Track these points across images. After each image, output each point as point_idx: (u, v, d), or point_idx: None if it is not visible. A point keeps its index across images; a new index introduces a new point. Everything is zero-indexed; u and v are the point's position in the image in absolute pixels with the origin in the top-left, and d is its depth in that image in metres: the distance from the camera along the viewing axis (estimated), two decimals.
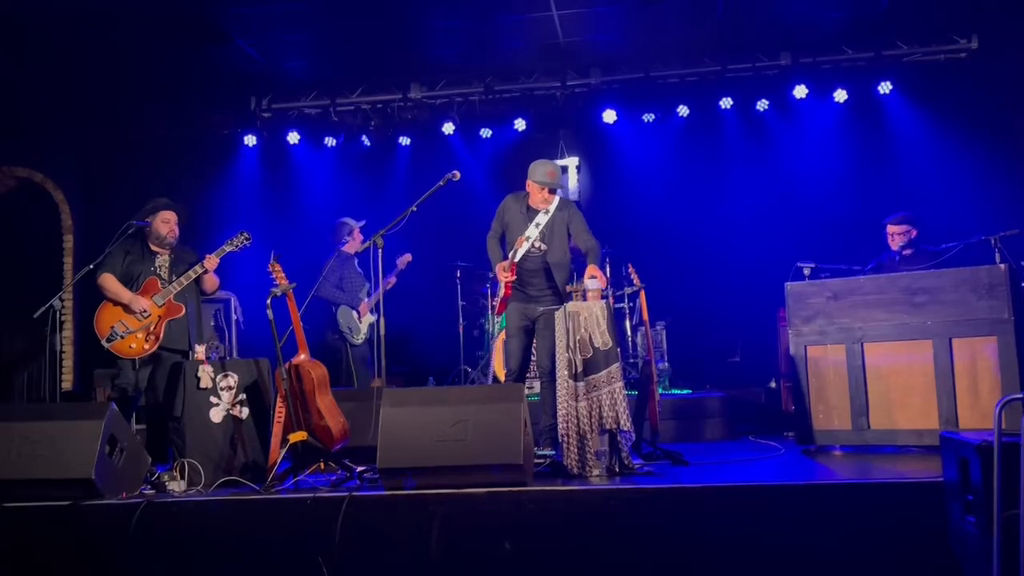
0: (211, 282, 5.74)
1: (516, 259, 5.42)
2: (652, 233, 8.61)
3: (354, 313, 7.30)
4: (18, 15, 6.97)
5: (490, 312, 8.00)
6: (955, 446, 3.51)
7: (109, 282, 5.53)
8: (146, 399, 5.61)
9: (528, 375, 6.13)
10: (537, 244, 5.47)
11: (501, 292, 5.52)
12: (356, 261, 7.46)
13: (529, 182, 5.52)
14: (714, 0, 7.55)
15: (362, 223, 7.50)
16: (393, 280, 7.37)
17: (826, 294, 5.55)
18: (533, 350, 5.69)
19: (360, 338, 7.34)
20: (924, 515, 3.80)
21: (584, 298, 4.94)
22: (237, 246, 5.60)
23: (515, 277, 5.43)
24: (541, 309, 5.50)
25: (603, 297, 4.99)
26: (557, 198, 5.54)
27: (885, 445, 5.36)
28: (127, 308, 5.46)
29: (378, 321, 5.22)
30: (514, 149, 9.22)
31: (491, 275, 6.38)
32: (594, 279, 4.98)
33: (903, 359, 5.30)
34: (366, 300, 7.34)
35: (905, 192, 7.94)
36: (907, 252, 6.47)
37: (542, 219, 5.50)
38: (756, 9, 7.81)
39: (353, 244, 7.48)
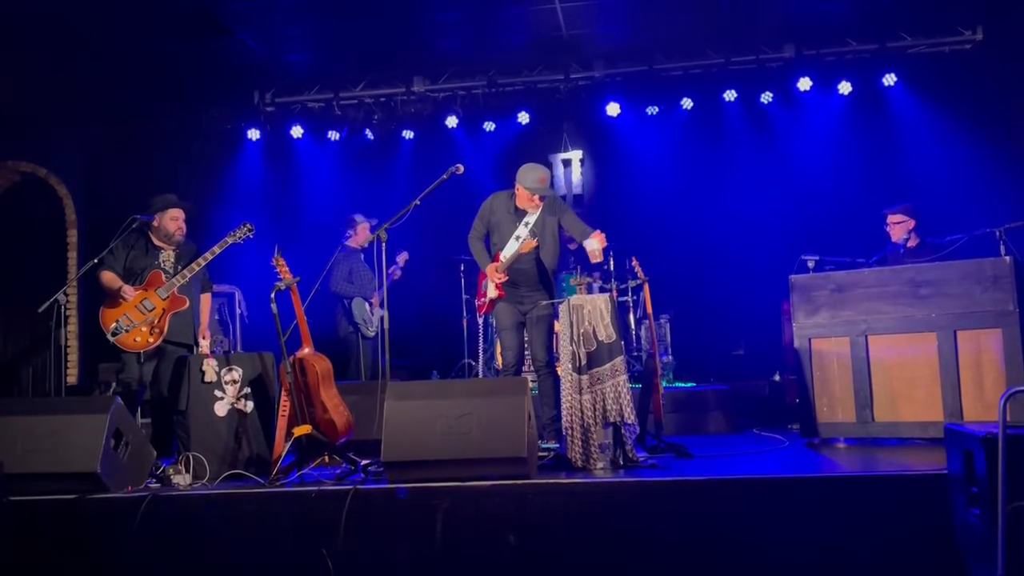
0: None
1: (507, 259, 5.41)
2: (656, 226, 8.59)
3: (367, 305, 7.39)
4: (21, 11, 6.97)
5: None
6: (959, 438, 3.51)
7: (106, 277, 5.58)
8: (151, 393, 5.64)
9: (524, 368, 6.13)
10: (525, 239, 5.45)
11: (493, 293, 5.51)
12: (363, 255, 7.51)
13: (518, 186, 5.46)
14: None
15: (373, 221, 7.54)
16: (398, 272, 7.45)
17: (830, 287, 5.54)
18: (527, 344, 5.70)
19: (372, 331, 7.42)
20: (928, 507, 3.80)
21: (589, 291, 4.94)
22: (240, 238, 5.61)
23: (507, 278, 5.44)
24: (532, 304, 5.51)
25: (603, 262, 5.00)
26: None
27: (889, 438, 5.36)
28: (120, 298, 5.47)
29: (381, 315, 5.23)
30: (517, 142, 9.22)
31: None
32: (595, 240, 5.08)
33: (907, 351, 5.30)
34: (377, 292, 7.39)
35: (910, 184, 7.92)
36: (911, 244, 6.46)
37: (531, 218, 5.47)
38: (760, 1, 7.78)
39: (356, 239, 7.52)
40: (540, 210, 5.46)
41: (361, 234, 7.57)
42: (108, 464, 4.52)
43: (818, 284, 5.59)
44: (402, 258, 7.65)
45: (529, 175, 5.40)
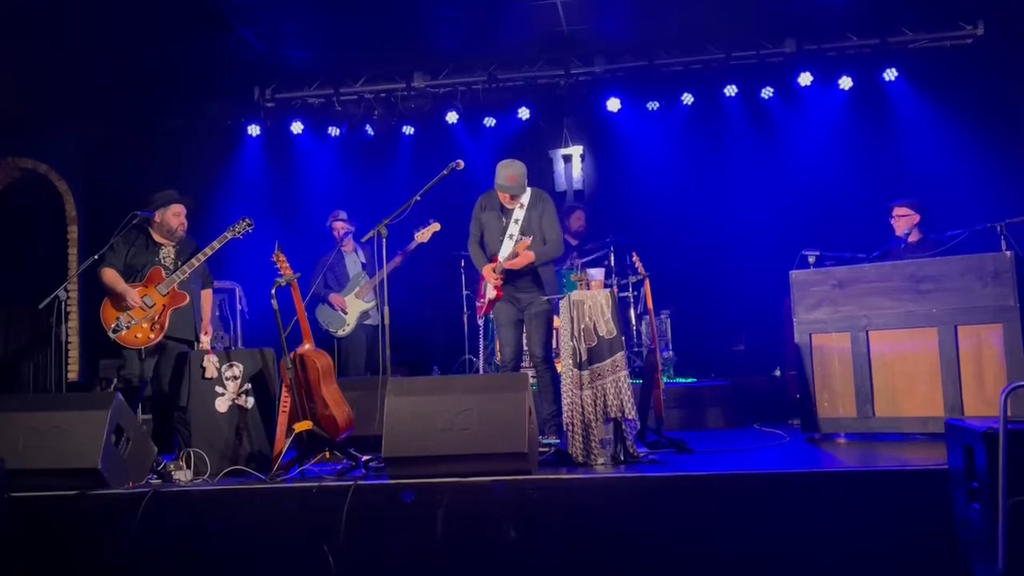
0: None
1: (503, 259, 5.40)
2: (656, 221, 8.59)
3: (326, 306, 7.29)
4: (21, 7, 6.96)
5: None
6: (960, 433, 3.51)
7: (108, 276, 5.56)
8: (151, 389, 5.64)
9: (523, 365, 6.13)
10: (519, 239, 5.44)
11: (491, 294, 5.52)
12: (349, 244, 7.43)
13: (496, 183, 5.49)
14: None
15: (341, 214, 7.45)
16: (398, 260, 6.94)
17: (831, 282, 5.54)
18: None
19: (345, 329, 7.31)
20: (929, 503, 3.81)
21: (588, 287, 4.93)
22: (239, 232, 5.62)
23: (504, 278, 5.44)
24: (529, 301, 5.51)
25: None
26: (530, 191, 5.51)
27: (890, 433, 5.36)
28: (123, 299, 5.47)
29: (382, 310, 5.21)
30: (518, 138, 9.21)
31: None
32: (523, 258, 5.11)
33: (908, 347, 5.30)
34: (354, 290, 7.32)
35: (910, 179, 7.90)
36: (913, 239, 6.46)
37: (519, 214, 5.47)
38: None
39: (336, 236, 7.42)
40: (526, 206, 5.47)
41: (337, 229, 7.45)
42: (109, 460, 4.53)
43: (819, 279, 5.59)
44: (428, 231, 6.77)
45: (500, 172, 5.42)
